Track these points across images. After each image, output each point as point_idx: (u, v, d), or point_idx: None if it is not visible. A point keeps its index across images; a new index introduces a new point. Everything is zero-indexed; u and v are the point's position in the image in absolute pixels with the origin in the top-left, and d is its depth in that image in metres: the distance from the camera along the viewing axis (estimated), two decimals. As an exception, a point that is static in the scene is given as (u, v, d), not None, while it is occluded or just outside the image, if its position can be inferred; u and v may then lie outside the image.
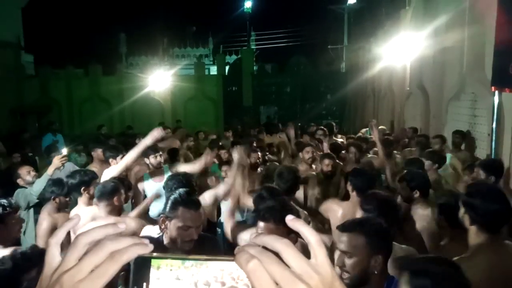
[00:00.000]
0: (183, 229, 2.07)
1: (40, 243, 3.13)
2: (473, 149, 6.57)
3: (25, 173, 4.36)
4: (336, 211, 3.30)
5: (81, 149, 4.87)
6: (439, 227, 2.91)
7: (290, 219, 0.54)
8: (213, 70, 19.91)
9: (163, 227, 2.18)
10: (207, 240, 2.33)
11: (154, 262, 0.52)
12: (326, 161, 4.56)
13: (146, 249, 0.50)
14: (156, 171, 4.33)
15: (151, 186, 4.19)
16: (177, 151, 5.79)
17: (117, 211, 3.01)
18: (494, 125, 5.01)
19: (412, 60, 9.53)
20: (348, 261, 1.73)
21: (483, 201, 2.12)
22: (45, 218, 3.26)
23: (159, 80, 16.10)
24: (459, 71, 7.27)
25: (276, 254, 0.50)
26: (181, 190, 2.23)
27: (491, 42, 5.17)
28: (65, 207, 3.48)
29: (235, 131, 10.00)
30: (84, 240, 0.52)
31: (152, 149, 4.28)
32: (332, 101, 18.19)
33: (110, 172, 3.64)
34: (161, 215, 2.22)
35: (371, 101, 14.66)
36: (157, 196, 3.67)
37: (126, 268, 0.51)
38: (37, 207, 3.82)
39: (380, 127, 9.21)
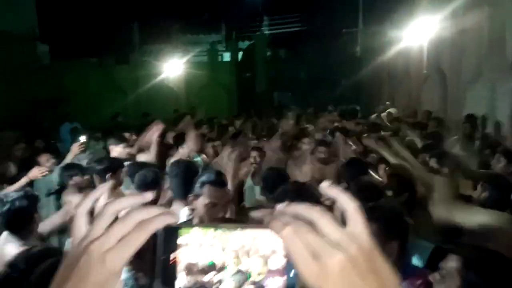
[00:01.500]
0: (210, 206, 2.14)
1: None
2: (493, 134, 6.44)
3: (44, 161, 4.41)
4: None
5: (99, 136, 4.96)
6: None
7: (326, 186, 0.52)
8: (226, 57, 19.80)
9: (192, 207, 2.28)
10: None
11: (182, 231, 0.52)
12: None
13: (174, 218, 0.50)
14: None
15: None
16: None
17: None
18: (515, 109, 4.91)
19: (429, 42, 9.32)
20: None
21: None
22: (68, 201, 3.32)
23: (172, 67, 16.12)
24: (478, 53, 7.10)
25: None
26: (209, 171, 2.34)
27: (512, 23, 5.02)
28: (86, 187, 3.52)
29: (246, 117, 9.97)
30: (111, 208, 0.52)
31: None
32: (347, 86, 17.97)
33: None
34: (190, 196, 2.32)
35: (386, 85, 14.44)
36: None
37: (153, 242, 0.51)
38: (59, 194, 3.90)
39: (389, 110, 9.13)
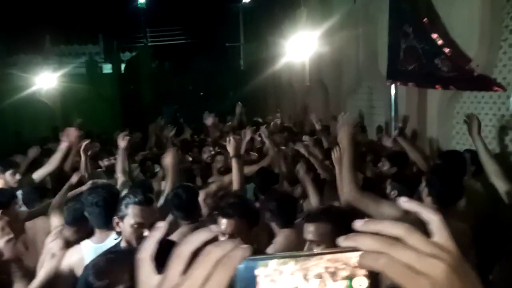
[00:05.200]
0: (135, 227, 2.03)
1: None
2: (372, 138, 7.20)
3: None
4: None
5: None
6: None
7: (405, 201, 0.54)
8: (107, 69, 18.70)
9: (118, 230, 2.12)
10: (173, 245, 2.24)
11: (259, 264, 0.49)
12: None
13: (249, 251, 0.48)
14: None
15: None
16: None
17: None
18: (393, 115, 5.57)
19: (310, 57, 10.07)
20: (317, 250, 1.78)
21: (441, 180, 2.47)
22: None
23: (45, 80, 14.63)
24: (356, 66, 7.91)
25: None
26: (133, 191, 2.20)
27: (383, 39, 5.72)
28: None
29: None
30: (185, 250, 0.50)
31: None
32: (235, 98, 18.40)
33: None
34: (114, 218, 2.13)
35: (272, 97, 15.20)
36: None
37: None
38: None
39: (275, 120, 9.62)
